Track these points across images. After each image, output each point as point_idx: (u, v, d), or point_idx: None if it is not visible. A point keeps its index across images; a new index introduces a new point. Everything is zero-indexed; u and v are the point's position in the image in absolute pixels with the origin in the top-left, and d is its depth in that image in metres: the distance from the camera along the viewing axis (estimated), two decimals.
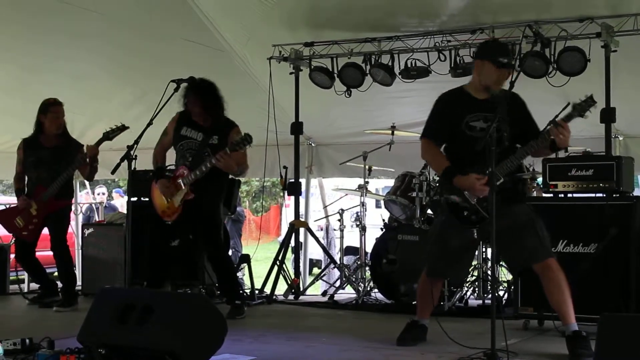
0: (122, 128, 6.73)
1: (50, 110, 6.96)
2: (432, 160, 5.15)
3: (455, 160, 4.87)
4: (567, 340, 4.72)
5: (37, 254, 7.23)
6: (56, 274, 7.31)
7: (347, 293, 7.94)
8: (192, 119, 6.40)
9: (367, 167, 7.81)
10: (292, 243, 8.49)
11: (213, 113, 6.38)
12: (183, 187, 6.26)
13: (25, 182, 7.13)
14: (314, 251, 10.98)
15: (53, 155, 6.92)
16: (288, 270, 8.11)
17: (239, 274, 8.10)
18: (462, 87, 5.10)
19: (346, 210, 8.42)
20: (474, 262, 6.90)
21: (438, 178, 6.96)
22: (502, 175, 4.67)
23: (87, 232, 8.04)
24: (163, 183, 6.36)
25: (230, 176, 7.75)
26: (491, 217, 4.39)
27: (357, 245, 7.99)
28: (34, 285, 8.35)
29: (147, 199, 6.87)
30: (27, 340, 4.58)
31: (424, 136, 5.08)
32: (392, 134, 7.71)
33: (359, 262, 7.79)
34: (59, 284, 7.25)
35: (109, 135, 6.75)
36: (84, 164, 6.86)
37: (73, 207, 7.73)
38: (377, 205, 11.81)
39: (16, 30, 8.05)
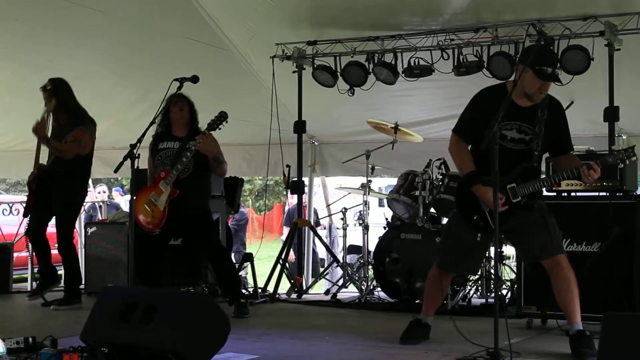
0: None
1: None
2: (458, 159, 4.93)
3: (479, 165, 4.75)
4: (571, 340, 4.70)
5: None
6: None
7: (350, 292, 7.93)
8: (168, 134, 6.46)
9: (370, 165, 7.80)
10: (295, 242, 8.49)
11: (196, 119, 6.48)
12: (164, 190, 6.22)
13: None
14: (316, 250, 11.00)
15: (57, 133, 6.87)
16: (291, 269, 8.11)
17: (242, 273, 8.10)
18: (505, 86, 4.88)
19: (349, 208, 8.42)
20: None
21: (442, 176, 6.99)
22: (520, 195, 4.65)
23: (89, 230, 8.02)
24: (144, 190, 6.36)
25: (233, 175, 7.80)
26: (494, 222, 4.37)
27: (360, 244, 7.98)
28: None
29: None
30: (30, 339, 4.58)
31: (455, 132, 4.91)
32: (395, 132, 7.70)
33: (361, 261, 7.79)
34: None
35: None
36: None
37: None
38: (380, 204, 11.83)
39: (19, 28, 8.05)
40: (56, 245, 6.92)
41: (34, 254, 7.24)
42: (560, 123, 4.83)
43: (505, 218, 4.56)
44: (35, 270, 8.34)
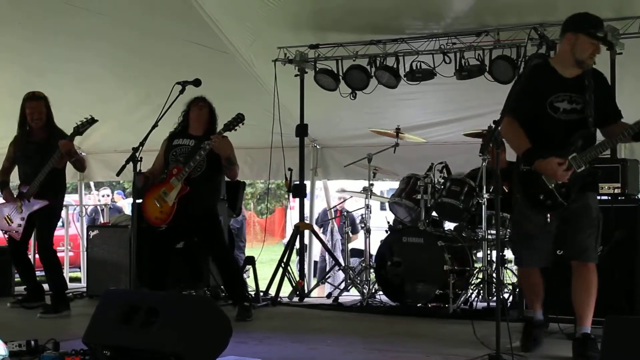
0: (92, 121, 6.65)
1: (26, 105, 6.87)
2: (513, 138, 4.80)
3: (536, 141, 4.65)
4: (575, 342, 4.68)
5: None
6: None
7: (352, 295, 7.93)
8: (184, 132, 6.54)
9: (371, 169, 7.80)
10: (297, 245, 8.49)
11: (214, 122, 6.55)
12: (175, 186, 6.28)
13: (9, 177, 7.08)
14: (318, 253, 11.00)
15: (37, 149, 6.79)
16: (293, 272, 8.11)
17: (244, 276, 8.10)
18: (548, 61, 4.89)
19: (351, 212, 8.41)
20: (479, 265, 6.91)
21: (443, 180, 7.00)
22: (584, 163, 4.57)
23: (92, 234, 8.03)
24: (156, 186, 6.41)
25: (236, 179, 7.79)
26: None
27: (362, 247, 7.98)
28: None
29: None
30: (33, 342, 4.59)
31: (506, 112, 4.67)
32: (397, 136, 7.71)
33: (363, 265, 7.79)
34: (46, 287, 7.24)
35: (79, 130, 6.63)
36: (61, 159, 6.69)
37: (77, 209, 7.72)
38: (382, 208, 11.83)
39: (21, 31, 8.06)
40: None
41: (34, 261, 7.25)
42: (606, 92, 4.82)
43: (568, 193, 4.50)
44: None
